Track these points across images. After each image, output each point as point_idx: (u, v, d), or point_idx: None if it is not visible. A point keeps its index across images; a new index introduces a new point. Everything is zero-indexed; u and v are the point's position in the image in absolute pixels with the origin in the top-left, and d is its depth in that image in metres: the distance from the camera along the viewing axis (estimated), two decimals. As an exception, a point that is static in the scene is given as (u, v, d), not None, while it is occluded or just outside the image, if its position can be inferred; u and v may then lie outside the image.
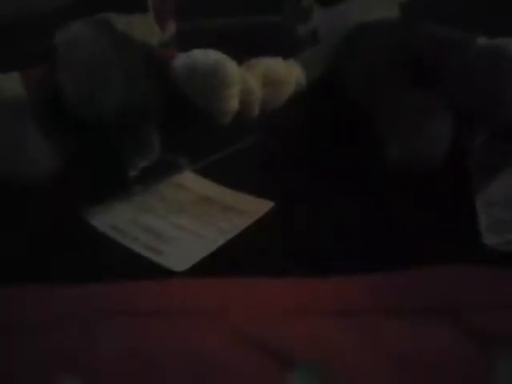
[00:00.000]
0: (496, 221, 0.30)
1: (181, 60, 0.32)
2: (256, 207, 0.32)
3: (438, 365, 0.23)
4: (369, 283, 0.26)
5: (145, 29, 0.35)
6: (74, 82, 0.32)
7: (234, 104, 0.32)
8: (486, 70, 0.32)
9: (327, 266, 0.27)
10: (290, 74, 0.35)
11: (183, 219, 0.31)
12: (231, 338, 0.24)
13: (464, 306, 0.25)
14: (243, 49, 0.34)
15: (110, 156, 0.33)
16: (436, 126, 0.32)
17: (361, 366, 0.23)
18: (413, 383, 0.23)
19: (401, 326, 0.25)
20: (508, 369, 0.23)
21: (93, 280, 0.26)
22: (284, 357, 0.24)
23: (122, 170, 0.32)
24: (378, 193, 0.32)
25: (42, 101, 0.32)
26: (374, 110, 0.34)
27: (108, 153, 0.33)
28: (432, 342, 0.24)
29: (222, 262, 0.28)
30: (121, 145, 0.33)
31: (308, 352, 0.24)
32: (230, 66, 0.32)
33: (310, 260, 0.29)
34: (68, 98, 0.32)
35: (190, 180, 0.33)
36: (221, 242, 0.30)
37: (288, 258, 0.29)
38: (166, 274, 0.28)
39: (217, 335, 0.24)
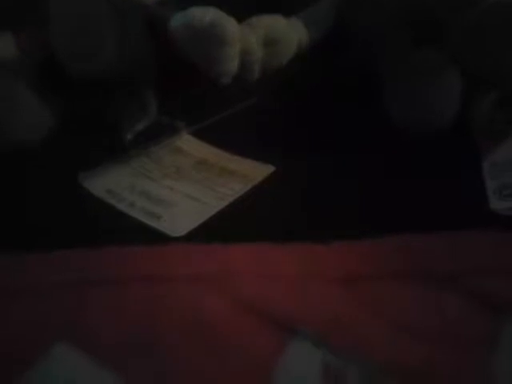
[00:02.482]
0: (503, 185, 0.29)
1: (177, 18, 0.31)
2: (256, 171, 0.31)
3: (439, 331, 0.23)
4: (371, 249, 0.26)
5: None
6: (67, 40, 0.31)
7: (233, 64, 0.32)
8: (496, 28, 0.31)
9: (328, 232, 0.27)
10: (291, 32, 0.34)
11: (181, 184, 0.30)
12: (232, 304, 0.24)
13: (469, 272, 0.25)
14: (243, 7, 0.33)
15: (106, 118, 0.32)
16: (442, 86, 0.31)
17: (361, 333, 0.23)
18: (413, 350, 0.23)
19: (403, 292, 0.25)
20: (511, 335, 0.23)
21: (90, 246, 0.26)
22: (285, 323, 0.24)
23: (118, 133, 0.32)
24: (380, 156, 0.31)
25: (36, 61, 0.32)
26: (378, 69, 0.33)
27: (104, 115, 0.32)
28: (434, 309, 0.24)
29: (222, 227, 0.28)
30: (117, 107, 0.32)
31: (309, 319, 0.24)
32: (229, 25, 0.31)
33: (311, 225, 0.28)
34: (62, 57, 0.31)
35: (188, 144, 0.33)
36: (220, 206, 0.29)
37: (288, 224, 0.28)
38: (164, 239, 0.27)
39: (217, 301, 0.24)
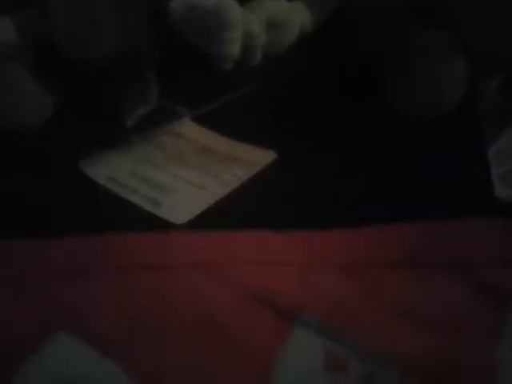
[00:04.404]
0: (508, 172, 0.29)
1: (179, 1, 0.31)
2: (258, 158, 0.31)
3: (442, 321, 0.23)
4: (373, 237, 0.26)
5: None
6: (65, 25, 0.30)
7: (235, 48, 0.31)
8: (502, 10, 0.30)
9: (330, 219, 0.27)
10: (294, 16, 0.33)
11: (183, 170, 0.30)
12: (232, 292, 0.24)
13: (473, 260, 0.25)
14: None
15: (107, 104, 0.32)
16: (446, 70, 0.31)
17: (362, 320, 0.23)
18: (415, 339, 0.23)
19: (405, 280, 0.25)
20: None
21: (92, 233, 0.26)
22: (286, 310, 0.24)
23: (119, 119, 0.32)
24: (383, 142, 0.31)
25: (36, 46, 0.31)
26: (382, 53, 0.33)
27: (105, 101, 0.32)
28: (438, 298, 0.24)
29: (224, 214, 0.28)
30: (118, 92, 0.32)
31: (310, 306, 0.24)
32: (232, 8, 0.30)
33: (313, 212, 0.28)
34: (61, 42, 0.31)
35: (190, 130, 0.33)
36: (222, 193, 0.29)
37: (290, 211, 0.28)
38: (166, 226, 0.27)
39: (217, 288, 0.24)
